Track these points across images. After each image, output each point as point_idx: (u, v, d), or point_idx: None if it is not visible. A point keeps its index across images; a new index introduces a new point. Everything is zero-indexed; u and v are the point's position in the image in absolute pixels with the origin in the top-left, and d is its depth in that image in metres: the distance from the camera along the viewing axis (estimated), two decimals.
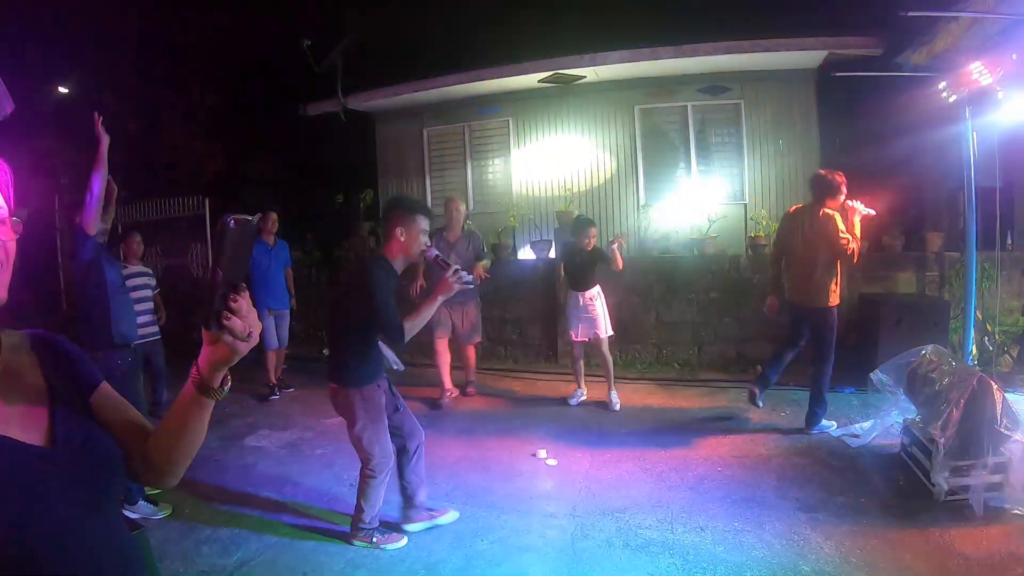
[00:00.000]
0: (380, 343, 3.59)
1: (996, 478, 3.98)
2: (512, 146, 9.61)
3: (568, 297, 6.28)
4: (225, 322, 1.10)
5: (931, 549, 3.55)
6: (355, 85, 9.71)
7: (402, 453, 3.75)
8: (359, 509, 3.59)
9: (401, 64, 9.71)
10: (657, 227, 8.42)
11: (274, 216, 6.95)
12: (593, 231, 6.06)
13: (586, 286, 6.11)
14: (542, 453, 5.05)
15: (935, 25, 5.56)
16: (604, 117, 9.11)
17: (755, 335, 7.51)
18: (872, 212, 5.06)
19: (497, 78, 8.73)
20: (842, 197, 5.07)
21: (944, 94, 5.69)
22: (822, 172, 5.24)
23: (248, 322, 1.12)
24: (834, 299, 5.26)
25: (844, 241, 4.95)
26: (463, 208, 6.57)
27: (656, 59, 8.05)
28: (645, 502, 4.16)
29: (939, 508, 3.95)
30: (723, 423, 5.73)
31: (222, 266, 1.10)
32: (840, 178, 5.05)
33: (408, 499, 3.83)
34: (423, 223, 3.46)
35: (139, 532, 1.40)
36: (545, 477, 4.67)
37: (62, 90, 13.06)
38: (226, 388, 1.22)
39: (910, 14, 5.45)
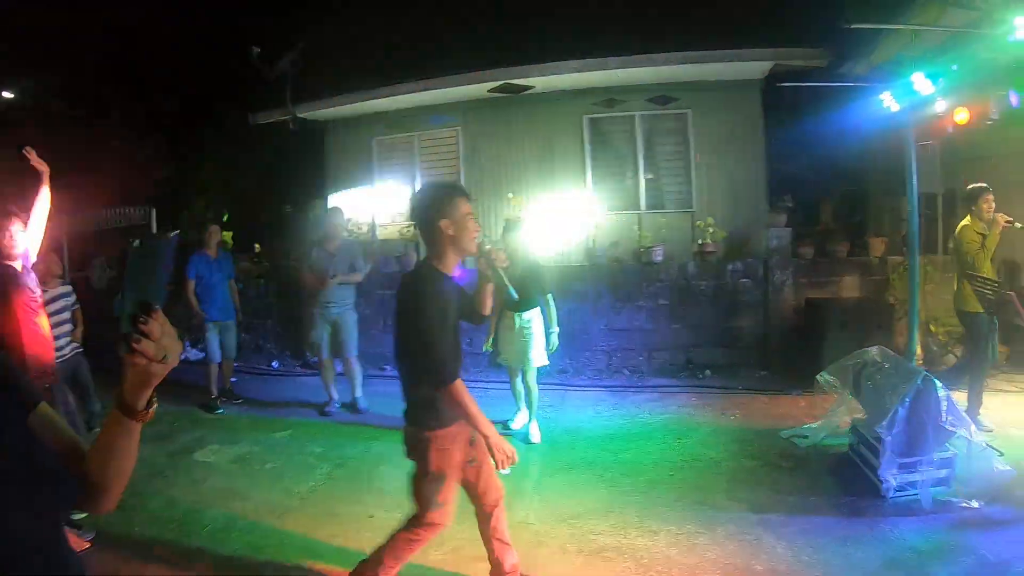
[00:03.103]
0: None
1: (942, 473, 4.05)
2: (461, 155, 9.54)
3: (502, 317, 5.40)
4: (135, 345, 1.09)
5: (882, 544, 3.58)
6: (305, 94, 9.55)
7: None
8: (376, 562, 2.83)
9: (351, 73, 9.58)
10: (606, 235, 8.45)
11: (215, 228, 6.77)
12: (516, 236, 5.32)
13: (522, 306, 5.20)
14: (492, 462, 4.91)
15: (878, 37, 5.73)
16: (553, 126, 9.14)
17: (704, 341, 7.59)
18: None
19: (446, 88, 8.71)
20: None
21: (886, 104, 5.85)
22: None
23: (162, 344, 1.11)
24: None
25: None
26: (343, 218, 6.44)
27: (605, 69, 8.13)
28: (598, 508, 4.10)
29: (888, 504, 4.00)
30: (673, 428, 5.70)
31: (130, 288, 1.07)
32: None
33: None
34: (466, 205, 2.75)
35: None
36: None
37: (6, 95, 12.53)
38: (152, 409, 1.20)
39: (852, 27, 5.60)
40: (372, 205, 9.96)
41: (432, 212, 2.70)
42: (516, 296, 2.86)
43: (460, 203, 2.72)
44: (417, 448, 2.75)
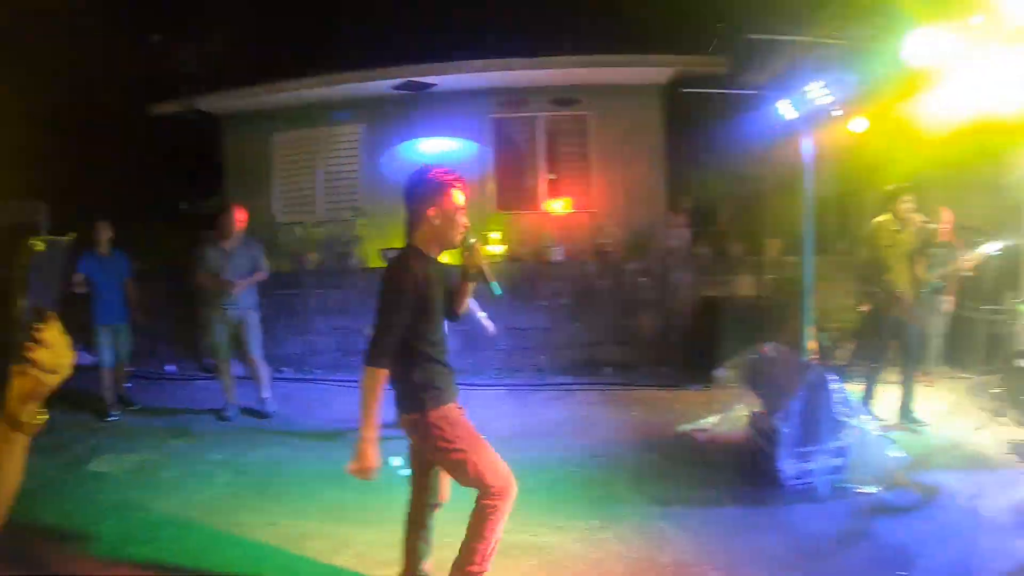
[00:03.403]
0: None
1: (838, 461, 4.20)
2: (363, 154, 9.26)
3: None
4: (29, 354, 1.05)
5: (783, 530, 3.66)
6: (204, 86, 9.04)
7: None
8: (470, 551, 2.68)
9: (253, 66, 9.14)
10: (508, 234, 8.39)
11: (104, 226, 6.26)
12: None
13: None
14: (396, 461, 4.75)
15: (778, 47, 5.95)
16: (457, 125, 9.01)
17: (605, 339, 7.67)
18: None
19: (348, 84, 8.48)
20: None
21: (785, 111, 6.08)
22: None
23: (56, 353, 1.08)
24: None
25: None
26: (242, 216, 6.08)
27: (509, 70, 8.12)
28: None
29: (787, 492, 4.10)
30: (576, 425, 5.68)
31: (24, 294, 1.05)
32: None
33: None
34: (460, 197, 2.65)
35: None
36: (400, 488, 4.39)
37: None
38: (39, 421, 1.14)
39: (752, 37, 5.78)
40: (272, 203, 9.55)
41: (422, 198, 2.63)
42: (499, 292, 2.76)
43: (452, 195, 2.63)
44: (424, 433, 2.65)
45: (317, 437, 5.55)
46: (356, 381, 6.60)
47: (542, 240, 7.95)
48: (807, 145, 6.40)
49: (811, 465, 4.16)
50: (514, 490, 2.70)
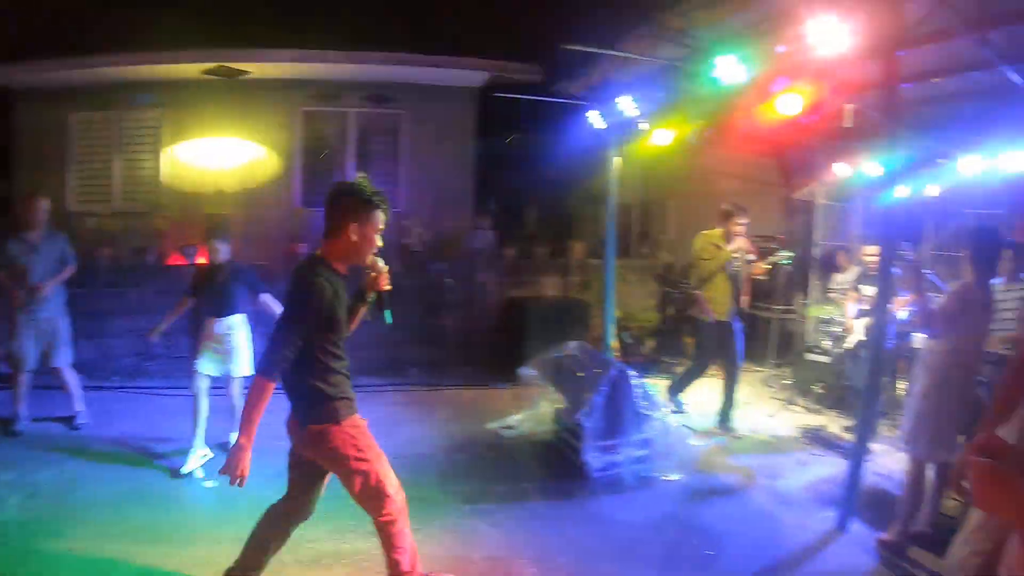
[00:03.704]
0: None
1: (642, 452, 4.41)
2: (165, 140, 8.49)
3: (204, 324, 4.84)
4: None
5: (593, 520, 3.75)
6: None
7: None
8: (395, 563, 2.73)
9: (52, 38, 7.92)
10: (308, 230, 7.91)
11: None
12: (222, 236, 4.73)
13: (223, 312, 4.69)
14: (199, 473, 4.26)
15: (593, 60, 6.18)
16: (267, 116, 8.46)
17: (409, 339, 7.47)
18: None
19: (151, 64, 7.64)
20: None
21: (595, 121, 6.36)
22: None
23: None
24: None
25: None
26: (46, 206, 5.27)
27: (324, 62, 7.73)
28: (312, 516, 3.64)
29: (594, 484, 4.20)
30: (382, 427, 5.33)
31: None
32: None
33: None
34: (381, 218, 2.62)
35: None
36: (206, 501, 4.07)
37: None
38: None
39: (568, 47, 5.93)
40: (67, 189, 8.40)
41: (344, 211, 2.58)
42: (390, 321, 2.82)
43: (376, 215, 2.60)
44: (332, 443, 2.61)
45: (119, 452, 4.76)
46: (157, 388, 5.72)
47: None
48: (613, 154, 6.79)
49: (616, 457, 4.32)
50: (403, 498, 2.79)
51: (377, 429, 5.02)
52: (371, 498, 2.69)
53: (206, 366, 4.60)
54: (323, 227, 2.64)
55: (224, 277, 4.60)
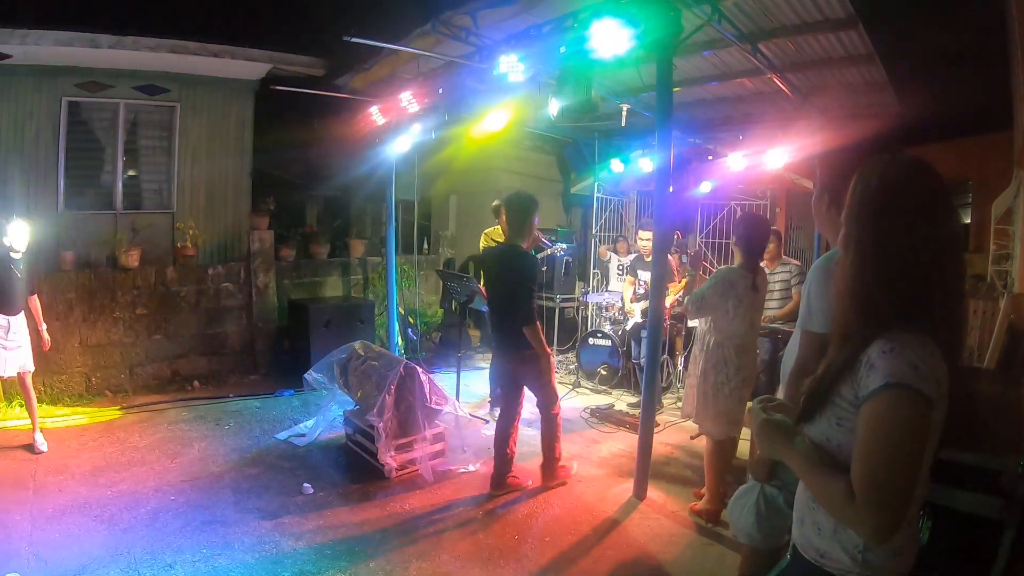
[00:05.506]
0: None
1: (437, 447, 4.56)
2: None
3: None
4: None
5: (397, 520, 3.83)
6: None
7: None
8: (552, 450, 4.22)
9: None
10: (79, 237, 6.91)
11: None
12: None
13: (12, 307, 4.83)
14: None
15: (377, 55, 6.11)
16: (25, 106, 7.03)
17: (188, 351, 6.93)
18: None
19: None
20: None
21: (375, 117, 6.33)
22: None
23: None
24: None
25: None
26: None
27: (96, 47, 6.69)
28: (103, 554, 3.42)
29: (393, 484, 4.30)
30: (168, 448, 4.96)
31: None
32: None
33: None
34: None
35: None
36: None
37: None
38: None
39: (351, 40, 5.79)
40: None
41: (530, 212, 4.10)
42: None
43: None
44: (535, 363, 3.99)
45: None
46: None
47: (117, 244, 6.76)
48: (394, 150, 6.81)
49: (412, 454, 4.43)
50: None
51: (163, 451, 4.76)
52: (548, 397, 4.11)
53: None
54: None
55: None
